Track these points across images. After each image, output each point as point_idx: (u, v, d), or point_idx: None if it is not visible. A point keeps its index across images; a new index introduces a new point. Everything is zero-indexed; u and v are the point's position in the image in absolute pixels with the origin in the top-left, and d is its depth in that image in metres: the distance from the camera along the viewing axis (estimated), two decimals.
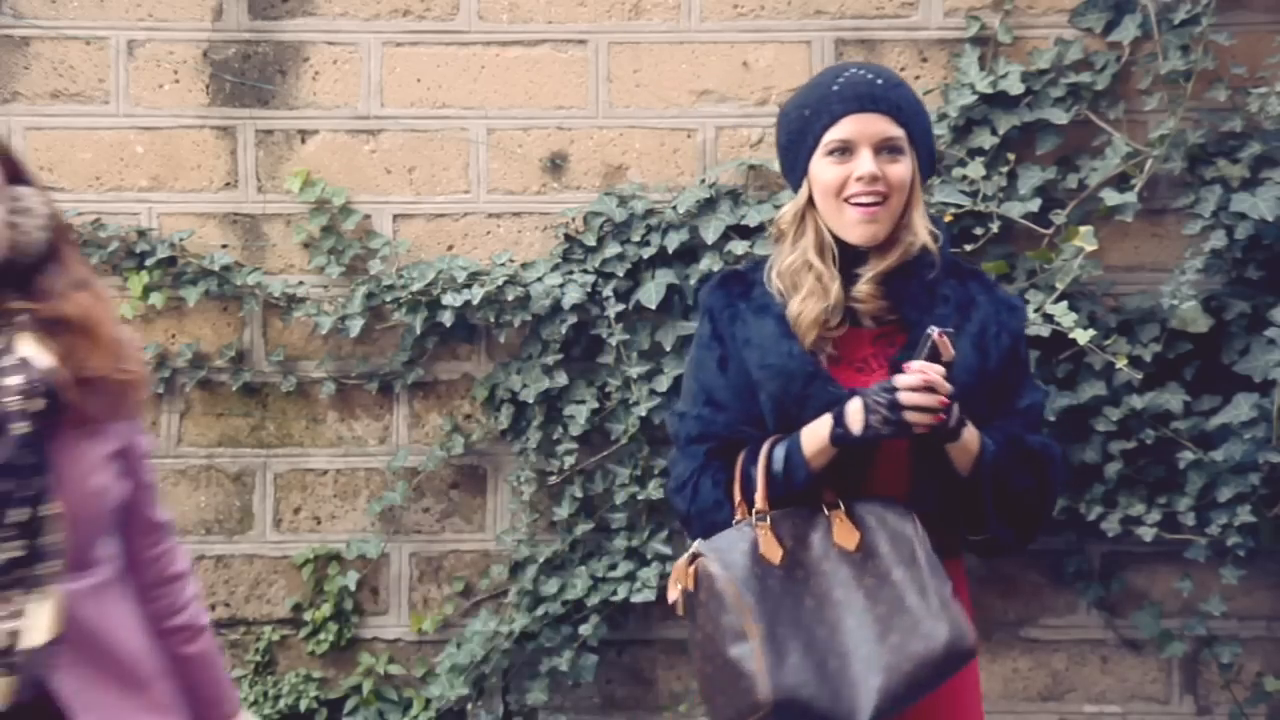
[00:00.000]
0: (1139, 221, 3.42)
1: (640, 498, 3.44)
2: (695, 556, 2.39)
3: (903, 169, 2.43)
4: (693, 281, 3.43)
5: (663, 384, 3.42)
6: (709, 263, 3.42)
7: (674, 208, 3.45)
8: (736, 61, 3.52)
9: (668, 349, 3.43)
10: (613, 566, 3.45)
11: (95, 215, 3.49)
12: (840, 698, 2.30)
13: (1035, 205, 3.39)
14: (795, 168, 2.49)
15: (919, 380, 2.27)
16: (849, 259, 2.45)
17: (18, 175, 2.23)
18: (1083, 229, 3.29)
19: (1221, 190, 3.36)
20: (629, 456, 3.46)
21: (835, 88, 2.44)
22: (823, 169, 2.43)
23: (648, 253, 3.44)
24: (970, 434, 2.36)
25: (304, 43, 3.53)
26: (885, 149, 2.42)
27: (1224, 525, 3.33)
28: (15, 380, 2.13)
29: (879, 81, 2.45)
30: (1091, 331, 3.26)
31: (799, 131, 2.47)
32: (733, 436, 2.44)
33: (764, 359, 2.42)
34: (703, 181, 3.48)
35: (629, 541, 3.45)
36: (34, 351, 2.16)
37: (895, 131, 2.42)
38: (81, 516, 2.18)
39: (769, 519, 2.38)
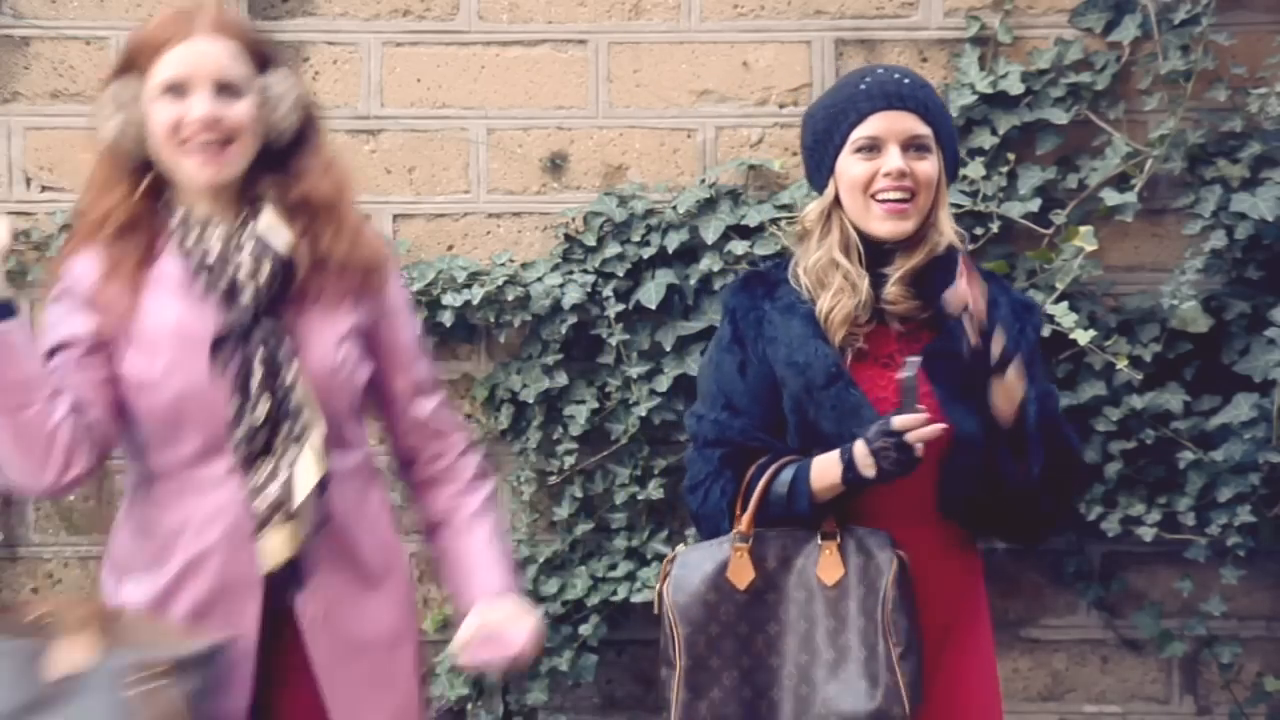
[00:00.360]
0: (1139, 221, 3.42)
1: (640, 498, 3.44)
2: (673, 561, 2.45)
3: (930, 166, 2.44)
4: (693, 281, 3.43)
5: (663, 384, 3.42)
6: (709, 263, 3.42)
7: (674, 208, 3.45)
8: (736, 61, 3.52)
9: (668, 349, 3.43)
10: (613, 566, 3.45)
11: None
12: None
13: (1035, 205, 3.39)
14: (821, 167, 2.50)
15: (919, 419, 2.28)
16: (875, 258, 2.46)
17: (267, 62, 2.32)
18: (1083, 229, 3.29)
19: (1221, 190, 3.36)
20: (629, 456, 3.46)
21: (863, 87, 2.47)
22: (850, 165, 2.45)
23: (648, 253, 3.44)
24: (1015, 374, 2.36)
25: (304, 43, 3.53)
26: (913, 146, 2.44)
27: (1224, 525, 3.33)
28: (248, 251, 2.23)
29: (906, 81, 2.47)
30: (1091, 331, 3.26)
31: (826, 131, 2.48)
32: (748, 443, 2.45)
33: (790, 356, 2.44)
34: (703, 181, 3.48)
35: (629, 541, 3.45)
36: (273, 227, 2.26)
37: (923, 130, 2.44)
38: (325, 391, 2.26)
39: (751, 540, 2.40)
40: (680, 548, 2.50)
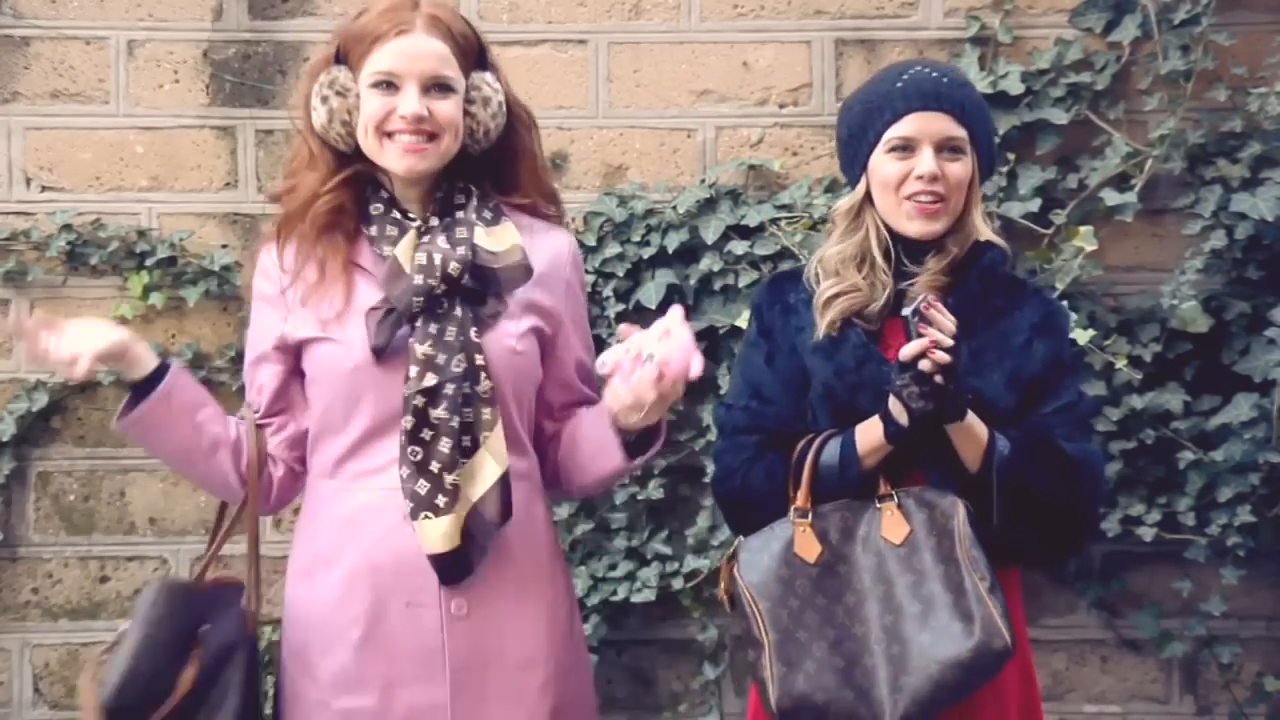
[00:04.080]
0: (1139, 221, 3.42)
1: (640, 498, 3.44)
2: (735, 554, 2.42)
3: (963, 169, 2.44)
4: (692, 281, 3.43)
5: None
6: (709, 263, 3.42)
7: (674, 208, 3.45)
8: (736, 61, 3.52)
9: None
10: (613, 566, 3.45)
11: (95, 215, 3.49)
12: (868, 699, 2.31)
13: (1035, 205, 3.39)
14: (855, 162, 2.50)
15: (919, 347, 2.28)
16: (907, 254, 2.47)
17: (477, 63, 2.37)
18: (1083, 229, 3.29)
19: (1221, 190, 3.36)
20: None
21: (899, 85, 2.46)
22: (883, 164, 2.45)
23: (648, 253, 3.44)
24: (975, 420, 2.35)
25: (304, 43, 3.53)
26: (947, 148, 2.43)
27: (1224, 525, 3.33)
28: (437, 252, 2.29)
29: (944, 80, 2.46)
30: (1091, 331, 3.26)
31: (860, 126, 2.48)
32: (781, 429, 2.45)
33: (817, 343, 2.45)
34: (703, 181, 3.48)
35: (629, 541, 3.45)
36: (494, 235, 2.35)
37: (958, 131, 2.43)
38: (503, 375, 2.31)
39: (810, 515, 2.39)
40: (738, 541, 2.46)
